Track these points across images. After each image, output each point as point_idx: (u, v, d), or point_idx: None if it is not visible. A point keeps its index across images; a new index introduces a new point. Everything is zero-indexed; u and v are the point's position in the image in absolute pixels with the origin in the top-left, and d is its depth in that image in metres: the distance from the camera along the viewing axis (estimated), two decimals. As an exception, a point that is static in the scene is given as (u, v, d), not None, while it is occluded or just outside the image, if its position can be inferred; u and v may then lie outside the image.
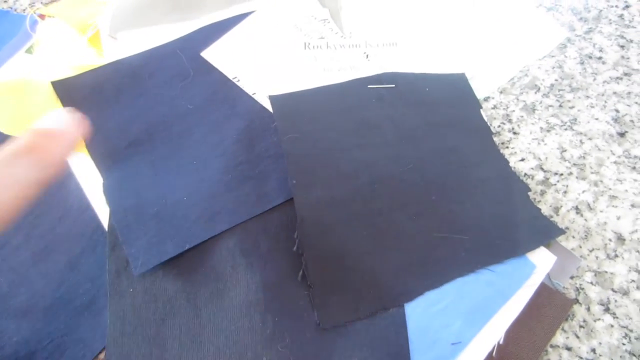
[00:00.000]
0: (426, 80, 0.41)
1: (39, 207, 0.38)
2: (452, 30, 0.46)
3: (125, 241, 0.32)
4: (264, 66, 0.40)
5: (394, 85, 0.40)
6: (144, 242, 0.32)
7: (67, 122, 0.26)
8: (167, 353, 0.31)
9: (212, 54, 0.40)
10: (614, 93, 0.43)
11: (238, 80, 0.39)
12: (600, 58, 0.45)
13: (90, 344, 0.32)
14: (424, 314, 0.31)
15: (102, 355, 0.32)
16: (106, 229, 0.35)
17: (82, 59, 0.41)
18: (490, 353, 0.31)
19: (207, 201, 0.33)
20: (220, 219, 0.33)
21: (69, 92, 0.38)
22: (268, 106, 0.37)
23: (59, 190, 0.38)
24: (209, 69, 0.39)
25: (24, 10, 0.52)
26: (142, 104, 0.38)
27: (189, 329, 0.31)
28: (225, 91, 0.38)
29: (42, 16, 0.47)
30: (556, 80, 0.44)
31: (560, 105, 0.43)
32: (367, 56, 0.42)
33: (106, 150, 0.36)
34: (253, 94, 0.38)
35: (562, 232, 0.35)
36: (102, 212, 0.36)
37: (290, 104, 0.36)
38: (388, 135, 0.37)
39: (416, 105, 0.40)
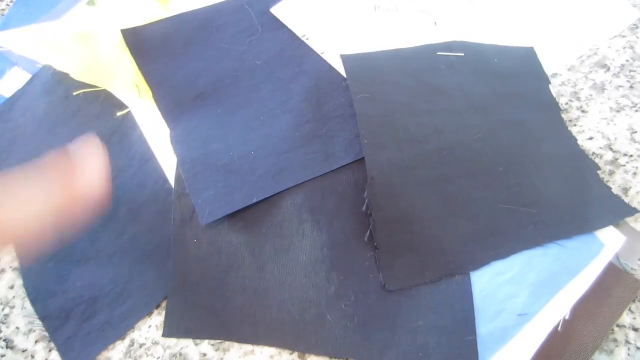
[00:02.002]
0: (495, 52, 0.40)
1: (101, 156, 0.38)
2: (522, 4, 0.45)
3: (193, 191, 0.32)
4: (333, 26, 0.39)
5: (463, 54, 0.39)
6: (211, 193, 0.32)
7: None
8: (230, 305, 0.31)
9: (281, 11, 0.39)
10: (689, 77, 0.41)
11: (307, 39, 0.38)
12: (674, 41, 0.43)
13: (153, 292, 0.33)
14: (490, 283, 0.31)
15: (164, 304, 0.32)
16: (170, 180, 0.35)
17: (146, 12, 0.41)
18: (556, 327, 0.30)
19: (275, 157, 0.33)
20: (288, 175, 0.32)
21: (138, 41, 0.38)
22: (336, 66, 0.37)
23: (122, 140, 0.38)
24: (278, 26, 0.39)
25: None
26: (210, 57, 0.38)
27: (252, 282, 0.31)
28: (293, 49, 0.38)
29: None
30: (627, 61, 0.43)
31: (632, 87, 0.41)
32: (435, 23, 0.40)
33: (174, 101, 0.36)
34: (322, 53, 0.37)
35: (633, 211, 0.34)
36: (166, 163, 0.36)
37: (362, 65, 0.36)
38: (457, 103, 0.36)
39: (485, 76, 0.39)
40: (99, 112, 0.40)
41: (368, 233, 0.31)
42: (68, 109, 0.40)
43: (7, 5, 0.52)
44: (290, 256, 0.31)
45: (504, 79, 0.39)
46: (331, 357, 0.30)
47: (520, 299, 0.31)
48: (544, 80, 0.41)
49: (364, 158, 0.32)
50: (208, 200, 0.32)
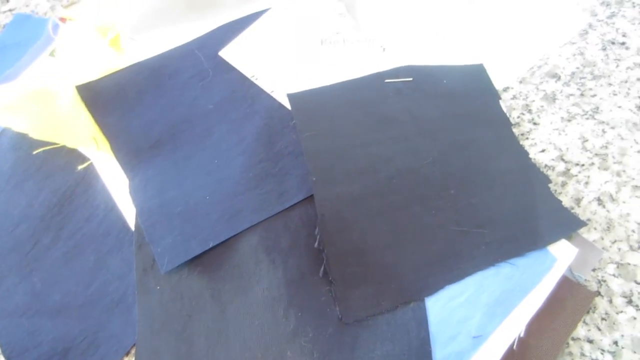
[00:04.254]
0: (444, 72, 0.41)
1: (66, 208, 0.39)
2: (469, 20, 0.46)
3: (152, 240, 0.33)
4: (281, 63, 0.40)
5: (411, 79, 0.39)
6: (169, 241, 0.33)
7: None
8: (195, 348, 0.32)
9: (230, 53, 0.40)
10: (638, 79, 0.42)
11: (256, 79, 0.39)
12: (623, 44, 0.44)
13: (122, 340, 0.34)
14: (444, 307, 0.32)
15: (133, 351, 0.34)
16: (132, 228, 0.36)
17: (104, 60, 0.42)
18: (512, 346, 0.31)
19: (230, 199, 0.34)
20: (242, 217, 0.33)
21: (93, 95, 0.39)
22: (286, 103, 0.38)
23: (85, 192, 0.40)
24: (228, 68, 0.40)
25: (45, 13, 0.53)
26: (164, 105, 0.39)
27: (215, 324, 0.32)
28: (244, 90, 0.39)
29: (62, 19, 0.48)
30: (577, 68, 0.43)
31: (582, 94, 0.42)
32: (383, 49, 0.41)
33: (130, 151, 0.37)
34: (271, 92, 0.38)
35: (583, 224, 0.35)
36: (128, 211, 0.37)
37: (309, 101, 0.37)
38: (407, 129, 0.37)
39: (434, 98, 0.39)
40: (62, 166, 0.41)
41: (322, 268, 0.32)
42: (32, 164, 0.41)
43: (-27, 61, 0.53)
44: (249, 296, 0.32)
45: (454, 99, 0.40)
46: (294, 393, 0.31)
47: (475, 321, 0.31)
48: (494, 96, 0.41)
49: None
50: (166, 248, 0.33)
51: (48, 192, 0.40)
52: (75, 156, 0.40)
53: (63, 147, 0.39)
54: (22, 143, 0.42)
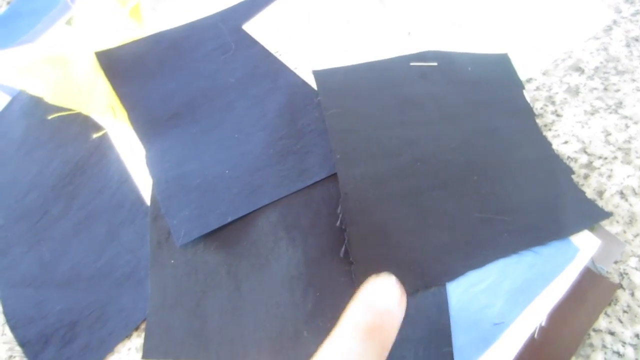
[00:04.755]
0: (469, 60, 0.41)
1: (78, 178, 0.38)
2: (495, 10, 0.45)
3: (168, 212, 0.32)
4: (305, 40, 0.39)
5: (436, 64, 0.39)
6: (186, 214, 0.32)
7: (397, 296, 0.24)
8: (208, 325, 0.31)
9: (254, 27, 0.39)
10: (662, 77, 0.41)
11: (280, 55, 0.38)
12: (647, 41, 0.44)
13: (131, 314, 0.33)
14: (465, 293, 0.31)
15: (143, 325, 0.33)
16: (146, 201, 0.36)
17: (122, 30, 0.41)
18: (533, 334, 0.30)
19: (250, 175, 0.33)
20: (262, 193, 0.33)
21: (112, 63, 0.38)
22: (309, 81, 0.37)
23: (99, 162, 0.39)
24: (251, 43, 0.39)
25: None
26: (184, 77, 0.38)
27: (229, 301, 0.31)
28: (266, 65, 0.38)
29: (80, -12, 0.47)
30: (601, 62, 0.43)
31: (605, 89, 0.41)
32: (408, 33, 0.41)
33: (149, 121, 0.36)
34: (294, 69, 0.37)
35: (607, 215, 0.34)
36: (142, 183, 0.36)
37: (334, 79, 0.36)
38: (430, 114, 0.37)
39: (459, 85, 0.39)
40: (75, 134, 0.40)
41: (343, 248, 0.31)
42: (45, 131, 0.40)
43: (-15, 28, 0.52)
44: (266, 274, 0.31)
45: (478, 87, 0.39)
46: (309, 374, 0.30)
47: (496, 308, 0.31)
48: (518, 86, 0.41)
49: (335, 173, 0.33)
50: (183, 220, 0.32)
51: (60, 161, 0.39)
52: (89, 125, 0.39)
53: (78, 115, 0.38)
54: (35, 110, 0.41)
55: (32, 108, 0.41)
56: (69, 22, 0.48)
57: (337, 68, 0.37)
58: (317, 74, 0.36)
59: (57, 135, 0.40)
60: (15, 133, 0.41)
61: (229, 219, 0.32)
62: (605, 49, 0.44)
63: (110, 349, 0.32)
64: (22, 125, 0.41)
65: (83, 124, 0.39)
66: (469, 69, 0.40)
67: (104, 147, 0.38)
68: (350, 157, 0.33)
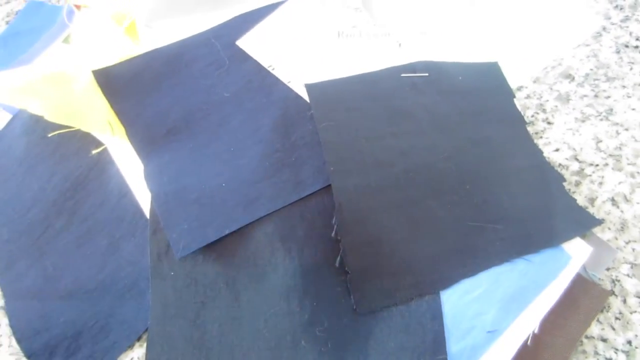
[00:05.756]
0: (459, 69, 0.41)
1: (79, 193, 0.39)
2: (485, 19, 0.46)
3: (167, 225, 0.33)
4: (298, 54, 0.40)
5: (427, 74, 0.39)
6: (185, 227, 0.33)
7: None
8: (207, 335, 0.32)
9: (247, 43, 0.40)
10: (652, 83, 0.42)
11: (273, 69, 0.39)
12: (637, 47, 0.44)
13: (133, 325, 0.34)
14: (459, 301, 0.32)
15: (145, 336, 0.33)
16: (145, 214, 0.36)
17: (119, 48, 0.42)
18: (525, 342, 0.31)
19: (246, 187, 0.34)
20: (258, 205, 0.33)
21: (109, 80, 0.39)
22: (303, 94, 0.38)
23: (98, 177, 0.39)
24: (244, 58, 0.40)
25: (59, 1, 0.53)
26: (180, 92, 0.39)
27: (228, 312, 0.32)
28: (260, 79, 0.39)
29: (77, 6, 0.48)
30: (591, 69, 0.44)
31: (596, 95, 0.42)
32: (399, 45, 0.42)
33: (146, 137, 0.37)
34: (288, 82, 0.38)
35: (598, 222, 0.35)
36: (142, 197, 0.37)
37: (326, 92, 0.37)
38: (422, 124, 0.37)
39: (450, 94, 0.40)
40: (75, 150, 0.41)
41: (338, 258, 0.32)
42: (46, 148, 0.41)
43: (-14, 45, 0.53)
44: (264, 285, 0.32)
45: (469, 96, 0.40)
46: (307, 383, 0.31)
47: (490, 316, 0.31)
48: (509, 94, 0.41)
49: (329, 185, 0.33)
50: (181, 233, 0.33)
51: (61, 177, 0.40)
52: (89, 141, 0.39)
53: (77, 131, 0.39)
54: (36, 127, 0.42)
55: (33, 126, 0.42)
56: (66, 40, 0.49)
57: (328, 81, 0.38)
58: (309, 88, 0.37)
59: (58, 152, 0.41)
60: (17, 150, 0.42)
61: (227, 232, 0.33)
62: (595, 56, 0.44)
63: (113, 359, 0.32)
64: (23, 143, 0.42)
65: (83, 140, 0.40)
66: (460, 78, 0.40)
67: (103, 162, 0.39)
68: (344, 169, 0.34)
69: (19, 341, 0.34)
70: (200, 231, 0.33)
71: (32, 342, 0.34)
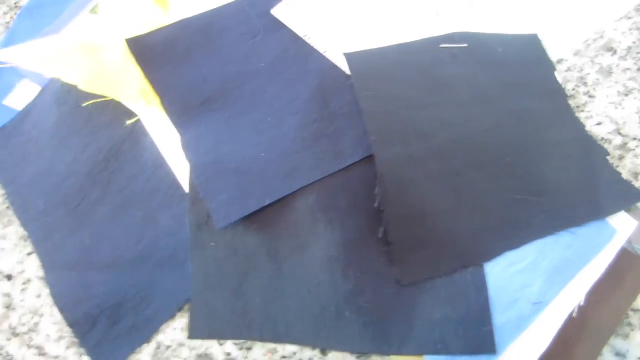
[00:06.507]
0: (499, 41, 0.40)
1: (112, 165, 0.39)
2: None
3: (207, 196, 0.33)
4: (333, 24, 0.39)
5: (466, 45, 0.38)
6: (225, 197, 0.33)
7: None
8: (250, 305, 0.32)
9: (282, 12, 0.39)
10: (697, 56, 0.41)
11: (309, 38, 0.38)
12: (681, 19, 0.43)
13: (175, 295, 0.34)
14: (504, 273, 0.31)
15: (186, 306, 0.33)
16: (181, 185, 0.36)
17: (148, 17, 0.41)
18: (572, 314, 0.31)
19: (285, 158, 0.33)
20: (298, 176, 0.33)
21: (143, 49, 0.38)
22: (339, 64, 0.37)
23: (132, 148, 0.39)
24: (279, 27, 0.39)
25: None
26: (214, 62, 0.38)
27: (271, 282, 0.32)
28: (296, 49, 0.38)
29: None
30: (634, 42, 0.42)
31: (639, 69, 0.41)
32: (437, 14, 0.40)
33: (182, 107, 0.36)
34: (324, 52, 0.37)
35: (644, 196, 0.34)
36: (178, 168, 0.37)
37: (366, 62, 0.36)
38: (462, 95, 0.36)
39: (489, 66, 0.39)
40: (109, 121, 0.40)
41: (381, 229, 0.32)
42: (78, 119, 0.41)
43: (12, 18, 0.53)
44: (306, 255, 0.32)
45: (509, 68, 0.39)
46: (352, 352, 0.31)
47: (535, 288, 0.31)
48: (549, 67, 0.40)
49: (372, 155, 0.33)
50: (222, 204, 0.32)
51: (95, 148, 0.39)
52: (123, 111, 0.39)
53: (111, 101, 0.39)
54: (68, 97, 0.42)
55: (65, 96, 0.42)
56: (93, 11, 0.48)
57: (368, 50, 0.37)
58: (349, 57, 0.36)
59: (91, 123, 0.40)
60: (49, 122, 0.42)
61: (268, 202, 0.32)
62: (638, 29, 0.43)
63: (156, 328, 0.33)
64: (55, 114, 0.42)
65: (115, 111, 0.39)
66: (499, 50, 0.39)
67: (137, 133, 0.39)
68: (386, 139, 0.33)
69: (61, 311, 0.34)
70: (241, 201, 0.32)
71: (74, 311, 0.34)
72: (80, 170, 0.39)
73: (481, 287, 0.31)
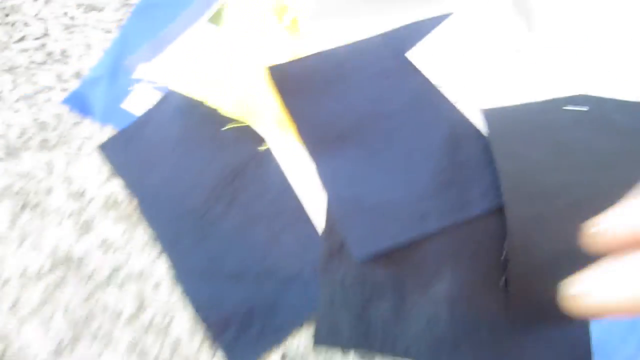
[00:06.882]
0: (619, 107, 0.42)
1: (238, 181, 0.41)
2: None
3: (345, 229, 0.36)
4: (464, 73, 0.41)
5: (587, 109, 0.41)
6: (362, 233, 0.35)
7: None
8: (371, 328, 0.35)
9: (416, 56, 0.41)
10: None
11: (440, 87, 0.40)
12: None
13: (299, 309, 0.37)
14: (604, 329, 0.35)
15: (311, 320, 0.36)
16: (306, 211, 0.39)
17: (280, 42, 0.43)
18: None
19: (418, 202, 0.36)
20: (430, 220, 0.36)
21: (284, 78, 0.40)
22: (468, 116, 0.39)
23: (257, 168, 0.41)
24: (412, 71, 0.41)
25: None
26: (349, 98, 0.40)
27: (393, 311, 0.35)
28: (428, 96, 0.40)
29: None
30: None
31: None
32: (562, 64, 0.42)
33: (318, 137, 0.39)
34: (455, 102, 0.40)
35: None
36: (304, 194, 0.39)
37: (501, 120, 0.38)
38: (582, 160, 0.39)
39: (608, 131, 0.41)
40: (234, 139, 0.42)
41: (503, 278, 0.35)
42: (204, 133, 0.43)
43: (124, 15, 0.54)
44: (429, 291, 0.35)
45: (626, 136, 0.41)
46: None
47: (632, 344, 0.34)
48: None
49: (498, 208, 0.36)
50: (359, 238, 0.35)
51: (221, 164, 0.42)
52: (249, 131, 0.41)
53: (246, 127, 0.41)
54: (193, 110, 0.44)
55: (189, 108, 0.44)
56: (213, 20, 0.49)
57: (502, 108, 0.39)
58: (487, 113, 0.38)
59: (217, 137, 0.43)
60: (171, 130, 0.44)
61: (401, 241, 0.35)
62: None
63: (282, 337, 0.36)
64: (178, 124, 0.44)
65: (242, 130, 0.42)
66: (617, 115, 0.42)
67: (261, 155, 0.41)
68: (517, 198, 0.36)
69: (196, 310, 0.37)
70: (377, 238, 0.35)
71: (207, 312, 0.37)
72: (205, 182, 0.42)
73: (585, 340, 0.34)
